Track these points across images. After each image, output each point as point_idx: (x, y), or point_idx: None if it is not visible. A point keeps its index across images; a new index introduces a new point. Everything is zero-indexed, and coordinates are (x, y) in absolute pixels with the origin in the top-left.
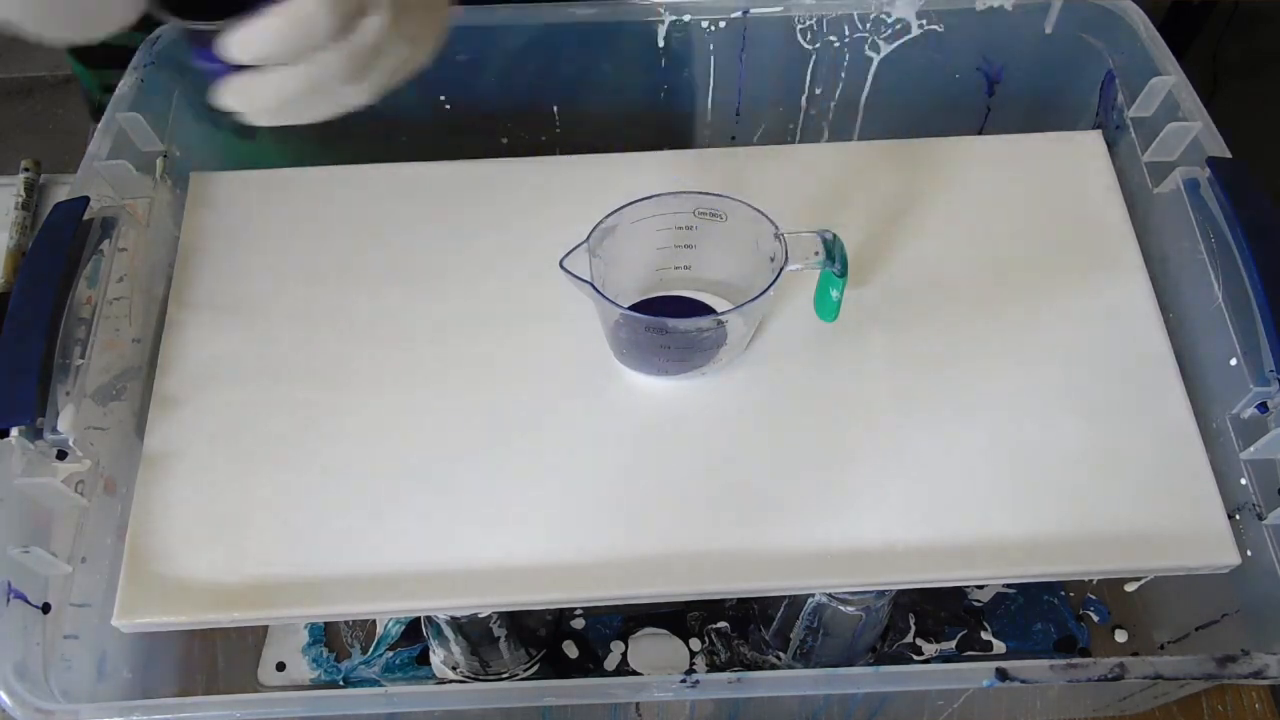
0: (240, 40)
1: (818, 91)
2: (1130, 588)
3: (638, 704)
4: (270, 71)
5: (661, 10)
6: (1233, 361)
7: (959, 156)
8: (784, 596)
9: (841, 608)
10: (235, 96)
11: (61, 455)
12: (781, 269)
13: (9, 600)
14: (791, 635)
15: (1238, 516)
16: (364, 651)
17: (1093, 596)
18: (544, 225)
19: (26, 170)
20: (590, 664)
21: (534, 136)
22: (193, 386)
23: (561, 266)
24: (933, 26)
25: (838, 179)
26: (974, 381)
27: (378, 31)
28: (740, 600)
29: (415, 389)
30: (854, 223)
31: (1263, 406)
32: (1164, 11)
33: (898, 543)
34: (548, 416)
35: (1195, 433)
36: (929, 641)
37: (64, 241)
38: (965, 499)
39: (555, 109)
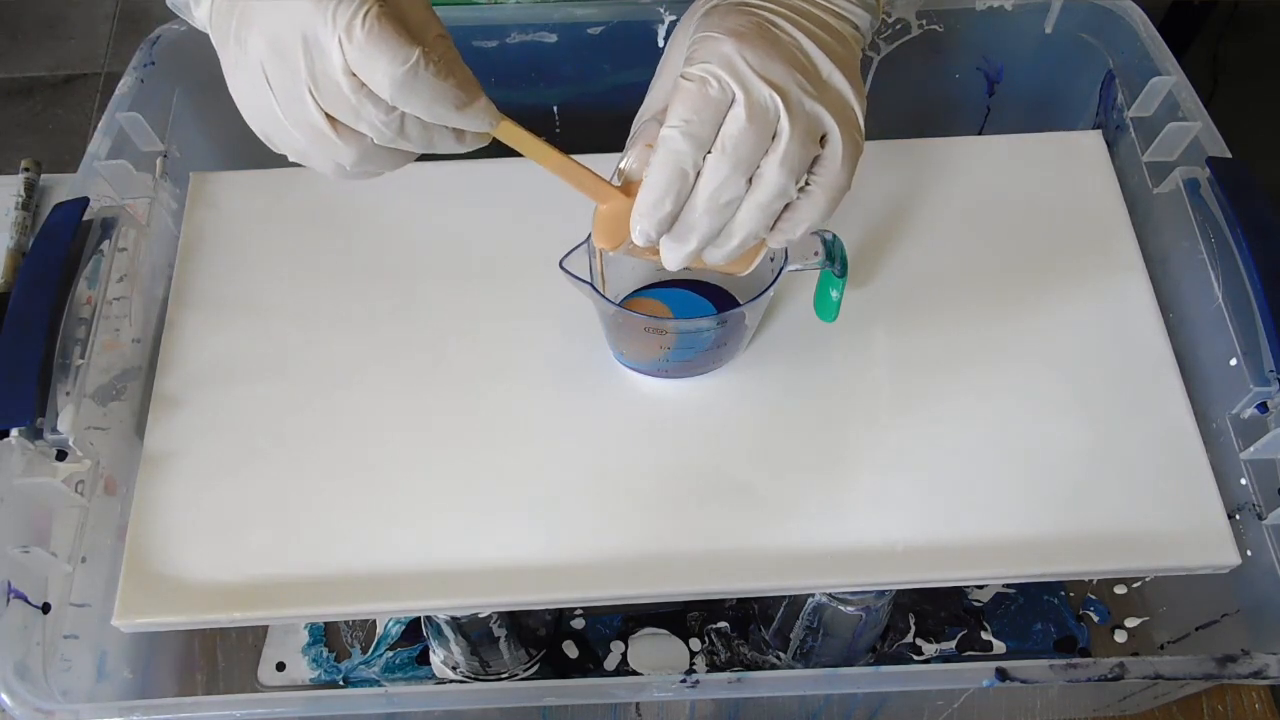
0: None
1: None
2: (1120, 590)
3: (638, 704)
4: None
5: (661, 10)
6: (1233, 361)
7: (959, 156)
8: (784, 596)
9: (841, 608)
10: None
11: (61, 455)
12: (781, 269)
13: (9, 600)
14: (791, 635)
15: (1238, 516)
16: (364, 651)
17: (1093, 596)
18: (544, 225)
19: (26, 170)
20: (590, 664)
21: None
22: (193, 386)
23: (561, 267)
24: (933, 26)
25: None
26: (974, 381)
27: None
28: (740, 600)
29: (415, 389)
30: (854, 223)
31: (1263, 406)
32: (1164, 11)
33: (898, 543)
34: (548, 416)
35: (1195, 433)
36: (929, 641)
37: (64, 241)
38: (965, 499)
39: (555, 109)
